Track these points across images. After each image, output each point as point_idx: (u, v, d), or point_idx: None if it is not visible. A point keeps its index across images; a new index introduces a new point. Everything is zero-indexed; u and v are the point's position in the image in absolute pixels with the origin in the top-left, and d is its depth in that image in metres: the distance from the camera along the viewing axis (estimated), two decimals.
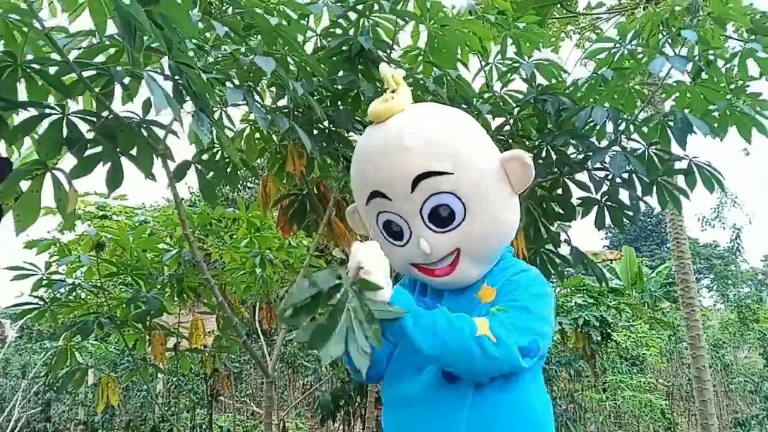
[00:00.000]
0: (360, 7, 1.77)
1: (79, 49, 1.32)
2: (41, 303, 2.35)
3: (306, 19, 1.86)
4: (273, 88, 2.05)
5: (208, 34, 1.63)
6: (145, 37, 1.20)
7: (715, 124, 1.87)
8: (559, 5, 5.22)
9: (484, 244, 1.13)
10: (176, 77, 1.30)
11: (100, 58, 1.36)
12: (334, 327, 0.71)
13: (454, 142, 1.11)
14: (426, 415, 1.05)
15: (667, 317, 8.32)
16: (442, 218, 1.08)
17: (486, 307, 1.08)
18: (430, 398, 1.06)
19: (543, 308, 1.07)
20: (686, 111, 1.88)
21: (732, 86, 2.03)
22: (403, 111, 1.13)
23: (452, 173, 1.07)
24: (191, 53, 1.45)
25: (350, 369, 1.18)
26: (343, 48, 1.82)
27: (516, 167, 1.13)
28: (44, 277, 2.30)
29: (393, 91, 1.15)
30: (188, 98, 1.36)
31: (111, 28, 1.16)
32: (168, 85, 1.32)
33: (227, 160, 1.90)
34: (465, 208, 1.08)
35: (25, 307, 2.35)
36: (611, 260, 9.01)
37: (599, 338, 5.75)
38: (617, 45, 1.95)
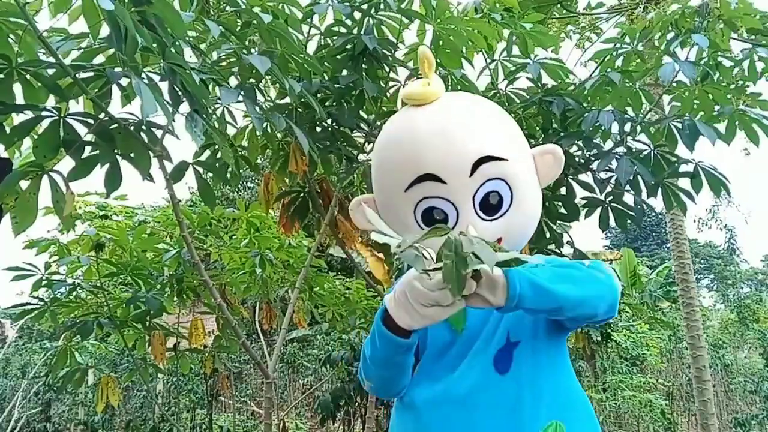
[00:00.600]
0: (365, 6, 1.76)
1: (80, 50, 1.30)
2: (41, 303, 2.34)
3: (310, 17, 1.85)
4: (277, 85, 2.03)
5: (209, 33, 1.61)
6: (140, 38, 1.18)
7: (722, 126, 1.86)
8: (559, 5, 5.20)
9: (522, 235, 1.13)
10: (170, 78, 1.29)
11: (100, 59, 1.34)
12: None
13: (506, 129, 1.12)
14: (489, 407, 1.01)
15: (667, 317, 8.32)
16: (490, 206, 1.06)
17: None
18: (487, 391, 1.02)
19: None
20: (693, 116, 1.87)
21: (732, 86, 2.01)
22: (440, 97, 1.12)
23: (507, 159, 1.06)
24: (187, 53, 1.43)
25: (370, 388, 1.13)
26: (347, 47, 1.81)
27: (549, 161, 1.13)
28: (44, 278, 2.29)
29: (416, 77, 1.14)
30: (184, 99, 1.35)
31: (108, 30, 1.15)
32: (165, 86, 1.30)
33: None
34: (512, 196, 1.07)
35: (25, 307, 2.34)
36: (611, 260, 9.02)
37: (599, 338, 5.75)
38: (624, 45, 1.94)
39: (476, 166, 1.03)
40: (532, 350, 1.05)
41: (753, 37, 2.55)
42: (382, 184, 1.15)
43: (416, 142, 1.06)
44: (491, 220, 1.07)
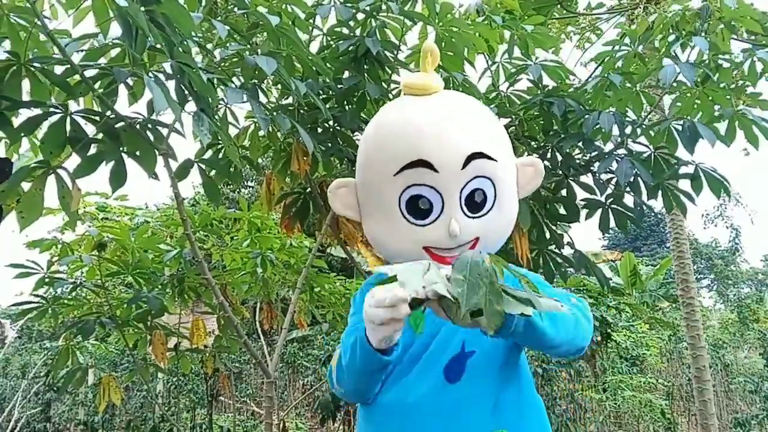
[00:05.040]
0: (368, 7, 1.76)
1: (80, 51, 1.31)
2: (42, 302, 2.34)
3: (312, 18, 1.85)
4: (279, 86, 2.04)
5: (214, 32, 1.62)
6: (149, 37, 1.19)
7: (722, 127, 1.86)
8: (558, 5, 5.20)
9: (498, 237, 1.16)
10: (178, 77, 1.29)
11: (104, 60, 1.35)
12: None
13: (499, 133, 1.17)
14: (435, 416, 1.02)
15: (667, 317, 8.33)
16: (475, 203, 1.09)
17: None
18: (434, 400, 1.03)
19: None
20: (692, 118, 1.88)
21: (732, 86, 2.02)
22: (438, 92, 1.14)
23: (497, 160, 1.10)
24: (194, 52, 1.44)
25: (340, 393, 1.14)
26: (349, 49, 1.81)
27: (530, 173, 1.18)
28: (46, 276, 2.29)
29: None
30: (191, 98, 1.35)
31: (115, 30, 1.16)
32: (172, 85, 1.31)
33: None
34: (495, 197, 1.10)
35: (26, 306, 2.34)
36: (612, 261, 9.03)
37: (599, 338, 5.75)
38: (624, 47, 1.94)
39: (469, 160, 1.06)
40: (487, 361, 1.05)
41: (753, 37, 2.55)
42: (369, 166, 1.15)
43: (414, 129, 1.08)
44: (473, 218, 1.09)
